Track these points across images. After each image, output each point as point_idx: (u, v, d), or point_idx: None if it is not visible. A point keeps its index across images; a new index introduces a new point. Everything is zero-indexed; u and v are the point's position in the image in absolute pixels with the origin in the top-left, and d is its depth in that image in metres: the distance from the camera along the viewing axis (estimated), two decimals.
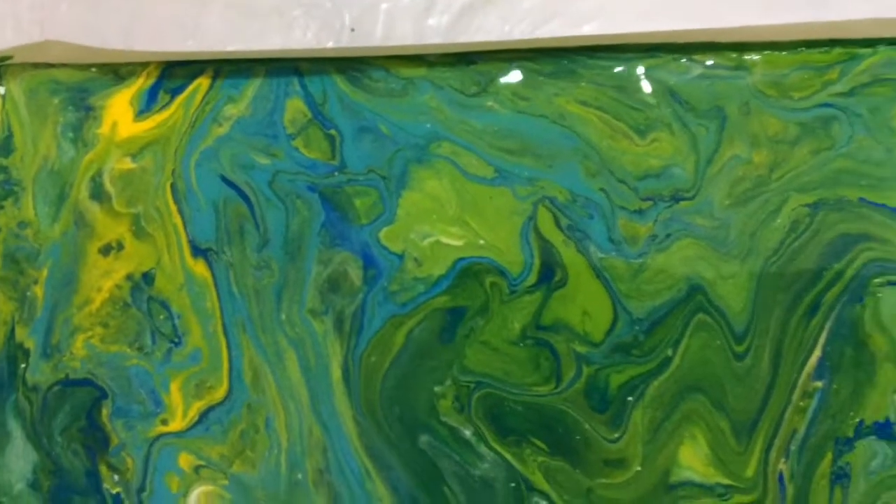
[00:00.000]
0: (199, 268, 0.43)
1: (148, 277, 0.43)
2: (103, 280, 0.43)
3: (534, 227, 0.43)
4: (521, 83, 0.43)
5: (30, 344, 0.44)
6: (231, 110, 0.43)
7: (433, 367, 0.42)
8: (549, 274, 0.42)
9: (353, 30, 0.41)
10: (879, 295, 0.42)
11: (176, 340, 0.43)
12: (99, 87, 0.44)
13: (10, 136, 0.44)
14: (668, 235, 0.42)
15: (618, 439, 0.42)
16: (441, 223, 0.43)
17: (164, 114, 0.44)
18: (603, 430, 0.42)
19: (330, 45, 0.41)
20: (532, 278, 0.42)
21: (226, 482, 0.42)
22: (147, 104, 0.44)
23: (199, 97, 0.43)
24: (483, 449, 0.42)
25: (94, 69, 0.43)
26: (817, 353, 0.42)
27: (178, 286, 0.43)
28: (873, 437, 0.42)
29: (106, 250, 0.44)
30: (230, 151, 0.43)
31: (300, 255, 0.43)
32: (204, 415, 0.42)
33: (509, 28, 0.41)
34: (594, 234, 0.42)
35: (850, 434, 0.42)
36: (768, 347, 0.42)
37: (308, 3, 0.41)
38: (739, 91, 0.43)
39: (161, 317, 0.43)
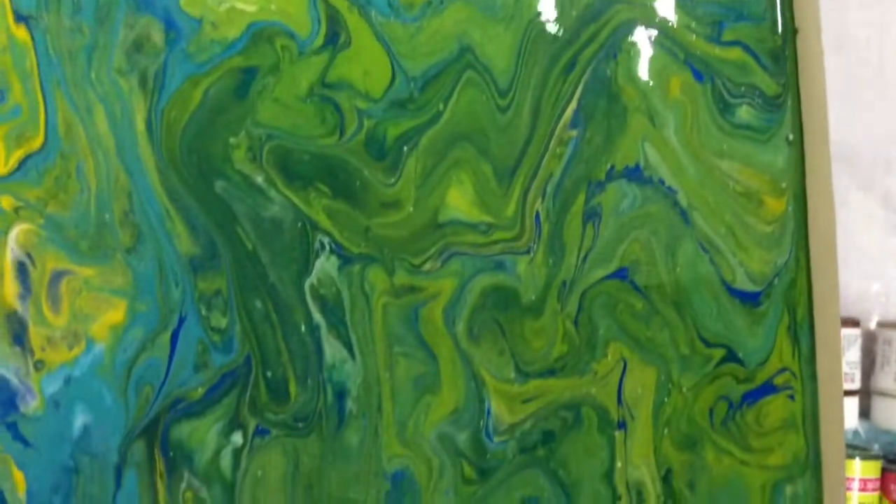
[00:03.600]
0: (21, 33, 0.47)
1: None
2: None
3: None
4: None
5: None
6: None
7: (228, 120, 0.47)
8: (335, 37, 0.47)
9: None
10: (631, 52, 0.46)
11: None
12: None
13: None
14: (441, 0, 0.47)
15: (393, 184, 0.46)
16: None
17: None
18: (380, 176, 0.46)
19: None
20: (319, 41, 0.47)
21: (41, 221, 0.47)
22: None
23: None
24: (273, 193, 0.47)
25: None
26: (573, 105, 0.46)
27: (2, 48, 0.47)
28: (623, 181, 0.46)
29: None
30: None
31: (109, 20, 0.47)
32: (23, 162, 0.47)
33: None
34: (375, 0, 0.47)
35: (602, 177, 0.46)
36: (529, 101, 0.46)
37: None
38: None
39: None
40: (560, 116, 0.46)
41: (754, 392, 0.45)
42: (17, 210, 0.47)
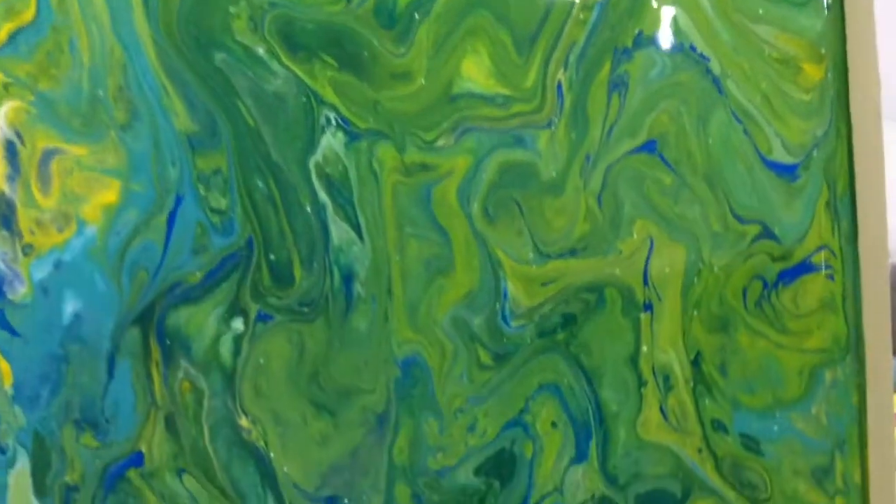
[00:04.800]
0: None
1: None
2: None
3: None
4: None
5: None
6: None
7: None
8: None
9: None
10: None
11: None
12: None
13: None
14: None
15: (404, 54, 0.44)
16: None
17: None
18: (390, 46, 0.44)
19: None
20: None
21: (32, 98, 0.44)
22: None
23: None
24: (275, 66, 0.44)
25: None
26: None
27: None
28: (652, 47, 0.43)
29: None
30: None
31: None
32: (13, 36, 0.44)
33: None
34: None
35: (629, 44, 0.43)
36: None
37: None
38: None
39: None
40: None
41: (791, 271, 0.42)
42: (6, 86, 0.44)
